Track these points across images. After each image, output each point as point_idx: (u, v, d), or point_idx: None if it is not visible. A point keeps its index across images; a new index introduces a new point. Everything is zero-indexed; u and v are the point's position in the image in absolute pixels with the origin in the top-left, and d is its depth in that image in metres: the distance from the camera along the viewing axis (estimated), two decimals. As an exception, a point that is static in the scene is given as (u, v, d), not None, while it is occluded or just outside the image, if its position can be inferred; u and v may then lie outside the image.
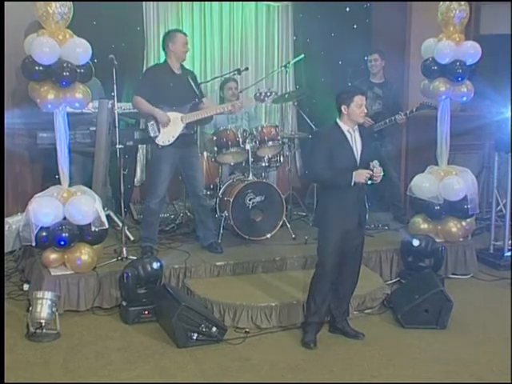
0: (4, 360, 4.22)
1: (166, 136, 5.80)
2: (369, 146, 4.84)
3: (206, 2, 7.75)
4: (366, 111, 4.73)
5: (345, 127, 4.72)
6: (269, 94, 6.08)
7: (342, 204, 4.72)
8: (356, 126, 4.75)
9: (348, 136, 4.71)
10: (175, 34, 5.87)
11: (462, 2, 6.25)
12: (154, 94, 5.80)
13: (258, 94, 6.09)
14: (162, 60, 6.13)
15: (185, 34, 5.94)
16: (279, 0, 8.03)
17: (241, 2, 7.90)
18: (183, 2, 7.68)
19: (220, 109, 6.07)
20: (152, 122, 5.79)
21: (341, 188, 4.66)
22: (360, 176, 4.61)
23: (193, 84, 5.92)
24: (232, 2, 7.86)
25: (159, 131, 5.80)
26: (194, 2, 7.70)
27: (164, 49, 5.93)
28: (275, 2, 8.03)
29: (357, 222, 4.79)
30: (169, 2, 7.64)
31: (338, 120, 4.75)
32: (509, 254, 6.58)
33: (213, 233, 6.19)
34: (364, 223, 4.96)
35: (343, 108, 4.69)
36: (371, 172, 4.60)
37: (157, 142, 5.83)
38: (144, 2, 7.47)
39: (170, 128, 5.80)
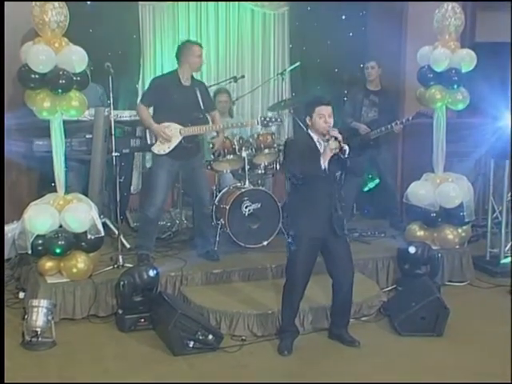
0: (4, 361, 4.22)
1: (162, 146, 5.83)
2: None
3: (203, 10, 7.77)
4: (329, 122, 4.65)
5: (315, 137, 4.74)
6: (274, 120, 6.17)
7: (311, 211, 4.72)
8: (325, 138, 4.68)
9: (318, 145, 4.71)
10: (192, 46, 5.90)
11: (458, 10, 6.28)
12: (157, 104, 5.85)
13: (263, 119, 6.18)
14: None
15: (201, 46, 5.98)
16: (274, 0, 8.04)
17: (237, 11, 7.91)
18: (179, 11, 7.70)
19: (217, 127, 6.12)
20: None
21: (312, 177, 4.64)
22: (325, 154, 4.58)
23: (200, 96, 5.91)
24: (228, 11, 7.87)
25: (156, 139, 5.83)
26: (190, 10, 7.72)
27: (177, 58, 5.93)
28: (270, 1, 8.02)
29: (329, 229, 4.73)
30: (165, 11, 7.66)
31: (309, 131, 4.79)
32: (505, 261, 6.58)
33: (210, 241, 6.19)
34: (341, 231, 4.80)
35: (307, 119, 4.73)
36: (335, 137, 4.56)
37: (152, 149, 5.86)
38: (140, 11, 7.48)
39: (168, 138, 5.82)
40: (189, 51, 5.86)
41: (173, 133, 5.82)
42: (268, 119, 6.22)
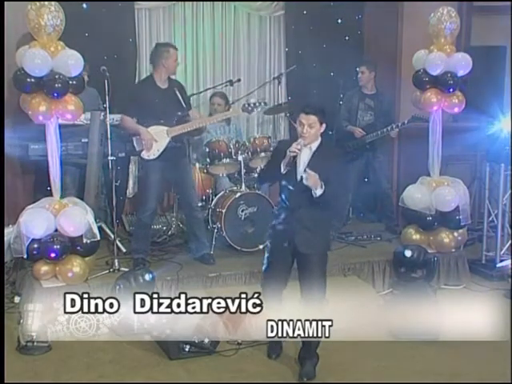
0: (4, 362, 4.22)
1: (152, 150, 5.82)
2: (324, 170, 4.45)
3: (199, 14, 7.77)
4: (308, 132, 4.41)
5: None
6: (257, 104, 6.08)
7: (277, 220, 4.65)
8: (313, 145, 4.50)
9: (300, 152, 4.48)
10: (168, 49, 5.88)
11: (453, 14, 6.29)
12: (140, 111, 5.84)
13: (246, 105, 6.11)
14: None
15: (176, 49, 5.98)
16: None
17: (233, 14, 7.92)
18: (175, 14, 7.71)
19: (204, 121, 6.12)
20: (138, 136, 5.83)
21: (274, 176, 4.65)
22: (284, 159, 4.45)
23: (180, 96, 5.92)
24: (224, 14, 7.87)
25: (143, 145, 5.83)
26: (186, 14, 7.73)
27: (153, 63, 5.93)
28: (265, 0, 8.02)
29: (285, 241, 4.56)
30: (161, 14, 7.66)
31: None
32: (500, 264, 6.59)
33: (205, 244, 6.19)
34: (303, 247, 4.50)
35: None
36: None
37: (142, 155, 5.86)
38: (136, 14, 7.48)
39: (156, 142, 5.81)
40: (165, 55, 5.85)
41: (159, 136, 5.82)
42: (252, 105, 6.10)
